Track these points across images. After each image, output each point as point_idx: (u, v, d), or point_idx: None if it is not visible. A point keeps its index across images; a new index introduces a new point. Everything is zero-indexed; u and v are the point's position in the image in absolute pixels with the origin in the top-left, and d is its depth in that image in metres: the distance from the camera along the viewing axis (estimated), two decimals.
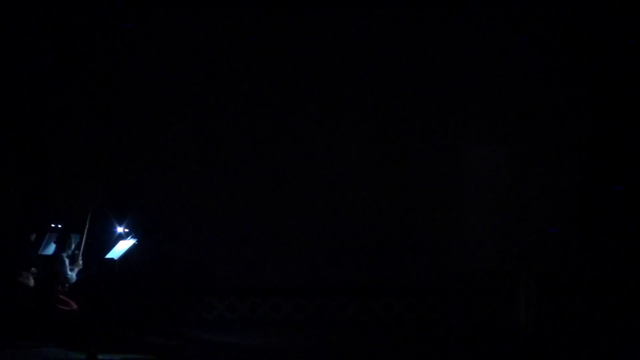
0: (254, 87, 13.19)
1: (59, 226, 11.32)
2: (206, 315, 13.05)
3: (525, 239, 13.10)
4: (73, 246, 10.95)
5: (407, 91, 13.27)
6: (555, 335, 11.74)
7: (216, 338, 11.64)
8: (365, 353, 10.80)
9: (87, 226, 10.98)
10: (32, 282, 10.97)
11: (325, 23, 13.22)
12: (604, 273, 12.56)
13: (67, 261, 10.73)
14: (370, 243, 13.18)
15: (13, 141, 12.83)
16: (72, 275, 10.76)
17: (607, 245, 12.82)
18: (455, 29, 13.20)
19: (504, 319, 12.46)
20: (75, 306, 10.81)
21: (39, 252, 11.16)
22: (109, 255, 11.05)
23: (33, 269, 11.05)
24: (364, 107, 13.30)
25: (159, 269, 12.83)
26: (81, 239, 10.99)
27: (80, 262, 10.87)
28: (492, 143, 13.36)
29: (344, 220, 13.20)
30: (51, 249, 11.10)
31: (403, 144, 13.31)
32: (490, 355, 10.58)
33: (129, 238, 11.18)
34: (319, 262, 13.15)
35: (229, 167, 13.17)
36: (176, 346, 11.18)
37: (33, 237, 11.13)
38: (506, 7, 13.17)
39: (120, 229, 11.28)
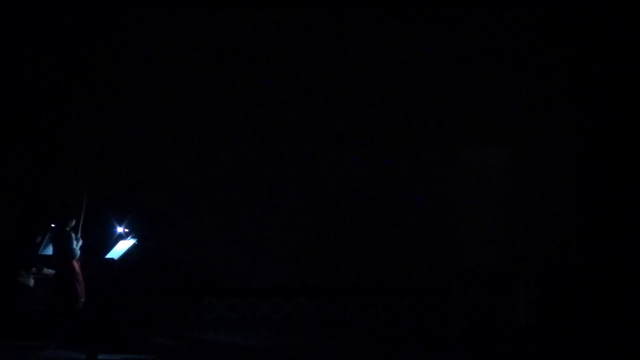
0: (256, 87, 13.20)
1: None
2: (206, 315, 13.05)
3: (525, 239, 13.10)
4: (74, 222, 10.92)
5: (408, 93, 13.28)
6: (555, 335, 11.74)
7: (216, 338, 11.64)
8: (366, 353, 10.79)
9: (83, 208, 10.99)
10: (32, 282, 10.98)
11: (327, 24, 13.24)
12: (604, 273, 12.56)
13: (73, 236, 10.77)
14: (371, 243, 13.19)
15: (14, 142, 12.84)
16: (77, 250, 10.79)
17: (607, 245, 12.82)
18: (455, 30, 13.22)
19: (504, 319, 12.47)
20: (83, 293, 10.79)
21: (39, 252, 11.16)
22: (109, 255, 11.07)
23: (33, 269, 11.05)
24: (365, 109, 13.31)
25: (159, 269, 12.84)
26: (78, 220, 10.97)
27: (80, 239, 10.89)
28: (492, 143, 13.36)
29: (344, 221, 13.21)
30: (51, 249, 11.10)
31: (403, 145, 13.32)
32: (491, 355, 10.58)
33: (129, 238, 11.19)
34: (320, 262, 13.16)
35: (230, 167, 13.18)
36: (176, 346, 11.19)
37: (39, 238, 11.13)
38: (506, 7, 13.18)
39: (120, 229, 11.28)
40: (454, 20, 13.24)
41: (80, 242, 10.87)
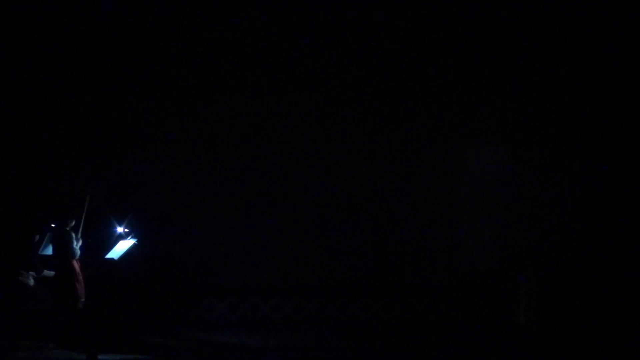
0: (255, 86, 13.19)
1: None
2: (206, 315, 13.05)
3: (525, 239, 13.10)
4: (74, 222, 10.94)
5: (409, 92, 13.28)
6: (555, 335, 11.74)
7: (216, 338, 11.64)
8: (366, 353, 10.80)
9: (85, 208, 11.01)
10: (32, 282, 10.98)
11: (327, 24, 13.23)
12: (604, 273, 12.56)
13: (73, 236, 10.78)
14: (370, 243, 13.19)
15: (14, 141, 12.84)
16: (77, 250, 10.81)
17: (607, 245, 12.82)
18: (455, 29, 13.22)
19: (504, 319, 12.46)
20: (83, 293, 10.80)
21: (39, 252, 11.16)
22: (109, 255, 11.06)
23: (33, 273, 11.05)
24: (365, 108, 13.31)
25: (159, 269, 12.84)
26: (79, 220, 10.99)
27: (80, 239, 10.90)
28: (492, 143, 13.36)
29: (344, 220, 13.20)
30: (51, 249, 11.10)
31: (403, 144, 13.32)
32: (491, 355, 10.58)
33: (129, 238, 11.19)
34: (319, 262, 13.16)
35: (230, 167, 13.18)
36: (176, 346, 11.19)
37: (37, 237, 11.14)
38: (506, 6, 13.18)
39: (120, 229, 11.28)
40: (454, 20, 13.23)
41: (80, 242, 10.88)
